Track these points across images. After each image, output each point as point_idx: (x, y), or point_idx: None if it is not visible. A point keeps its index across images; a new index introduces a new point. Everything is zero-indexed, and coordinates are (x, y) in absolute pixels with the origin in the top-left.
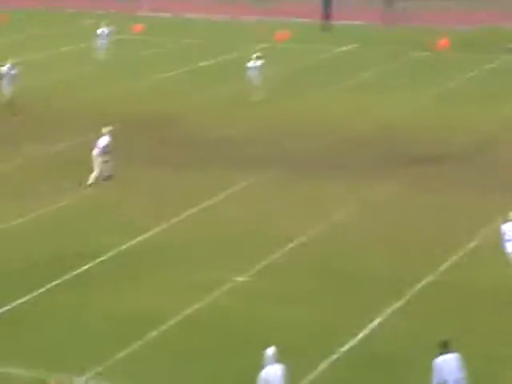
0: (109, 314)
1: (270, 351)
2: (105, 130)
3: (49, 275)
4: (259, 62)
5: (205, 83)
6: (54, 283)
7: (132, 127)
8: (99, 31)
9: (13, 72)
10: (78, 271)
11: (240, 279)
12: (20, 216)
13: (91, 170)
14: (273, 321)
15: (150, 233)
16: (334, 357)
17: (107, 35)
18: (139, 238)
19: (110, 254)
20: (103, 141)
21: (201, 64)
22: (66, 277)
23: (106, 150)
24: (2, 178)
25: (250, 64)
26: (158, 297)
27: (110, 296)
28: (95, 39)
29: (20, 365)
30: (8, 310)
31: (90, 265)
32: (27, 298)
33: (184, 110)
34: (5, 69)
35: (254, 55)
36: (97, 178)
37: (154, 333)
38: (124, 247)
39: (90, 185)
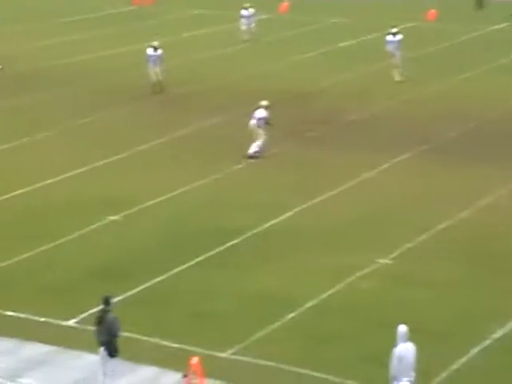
0: (244, 294)
1: (403, 329)
2: (263, 103)
3: (188, 252)
4: (398, 37)
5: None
6: (192, 262)
7: (273, 106)
8: (243, 12)
9: (158, 53)
10: (218, 249)
11: (382, 261)
12: (170, 190)
13: (241, 146)
14: (417, 304)
15: (290, 213)
16: (487, 342)
17: (251, 16)
18: (281, 217)
19: (249, 233)
20: (260, 113)
21: (341, 44)
22: (205, 255)
23: (260, 124)
24: (164, 150)
25: (389, 38)
26: (296, 279)
27: (245, 276)
28: (239, 20)
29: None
30: (148, 286)
31: (229, 243)
32: (166, 275)
33: (323, 89)
34: (151, 50)
35: (393, 30)
36: (260, 147)
37: (291, 315)
38: (266, 226)
39: (251, 155)
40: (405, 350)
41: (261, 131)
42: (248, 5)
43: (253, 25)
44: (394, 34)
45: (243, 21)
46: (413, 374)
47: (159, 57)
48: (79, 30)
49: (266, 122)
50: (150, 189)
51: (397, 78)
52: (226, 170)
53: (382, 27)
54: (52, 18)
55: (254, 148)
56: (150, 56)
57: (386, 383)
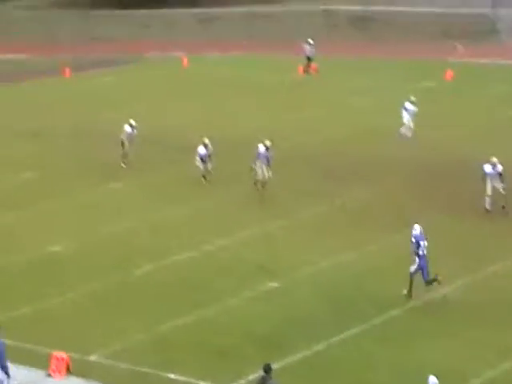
0: (405, 368)
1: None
2: None
3: (347, 322)
4: None
5: None
6: (351, 331)
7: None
8: (407, 105)
9: (270, 153)
10: (378, 320)
11: None
12: (328, 258)
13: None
14: None
15: (454, 286)
16: None
17: (414, 112)
18: (443, 290)
19: (410, 304)
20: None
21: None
22: (364, 325)
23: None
24: (322, 218)
25: None
26: (460, 354)
27: (406, 349)
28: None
29: None
30: (306, 355)
31: (389, 314)
32: (325, 344)
33: None
34: (262, 148)
35: None
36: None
37: None
38: (426, 298)
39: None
40: None
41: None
42: (413, 99)
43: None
44: None
45: (405, 115)
46: None
47: (271, 157)
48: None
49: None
50: (309, 256)
51: None
52: (384, 240)
53: None
54: (211, 89)
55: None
56: (259, 154)
57: None
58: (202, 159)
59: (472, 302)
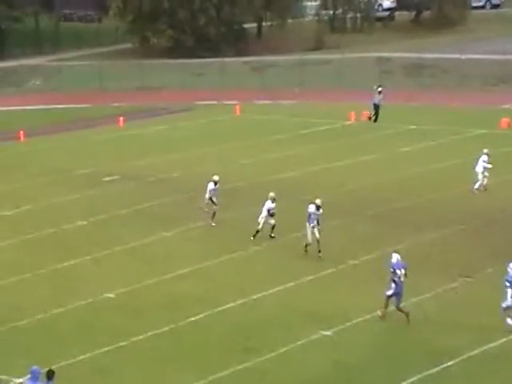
0: None
1: None
2: None
3: (399, 372)
4: None
5: None
6: (404, 383)
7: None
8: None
9: (319, 211)
10: (431, 371)
11: None
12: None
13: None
14: None
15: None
16: None
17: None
18: (500, 341)
19: (464, 355)
20: None
21: None
22: (417, 376)
23: None
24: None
25: None
26: None
27: None
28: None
29: None
30: None
31: (442, 365)
32: None
33: None
34: (312, 207)
35: None
36: None
37: None
38: (482, 349)
39: None
40: None
41: None
42: (487, 151)
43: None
44: None
45: (479, 169)
46: None
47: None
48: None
49: None
50: (360, 304)
51: None
52: (439, 289)
53: None
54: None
55: None
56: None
57: None
58: (269, 212)
59: None
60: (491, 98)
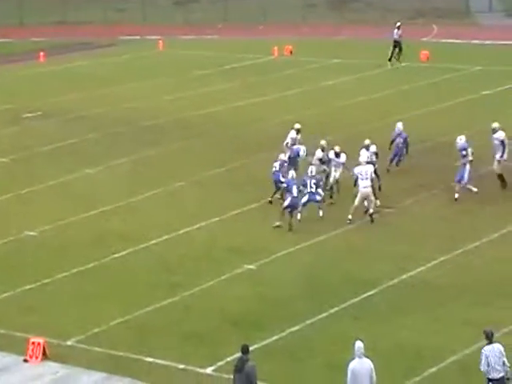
0: (380, 347)
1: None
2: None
3: (322, 303)
4: None
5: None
6: (327, 312)
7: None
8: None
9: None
10: (353, 300)
11: None
12: (305, 240)
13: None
14: None
15: (429, 265)
16: None
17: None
18: (419, 269)
19: (385, 285)
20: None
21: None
22: (339, 306)
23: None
24: None
25: None
26: (435, 333)
27: (381, 329)
28: None
29: None
30: (282, 336)
31: (364, 294)
32: (301, 325)
33: None
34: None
35: None
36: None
37: (433, 369)
38: (402, 277)
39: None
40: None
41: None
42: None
43: None
44: None
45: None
46: None
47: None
48: (216, 82)
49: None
50: (284, 238)
51: None
52: (360, 220)
53: None
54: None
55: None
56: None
57: None
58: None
59: (448, 281)
60: (411, 31)
